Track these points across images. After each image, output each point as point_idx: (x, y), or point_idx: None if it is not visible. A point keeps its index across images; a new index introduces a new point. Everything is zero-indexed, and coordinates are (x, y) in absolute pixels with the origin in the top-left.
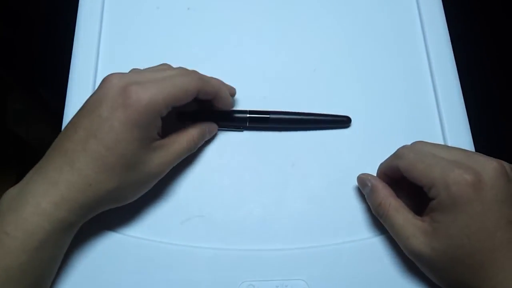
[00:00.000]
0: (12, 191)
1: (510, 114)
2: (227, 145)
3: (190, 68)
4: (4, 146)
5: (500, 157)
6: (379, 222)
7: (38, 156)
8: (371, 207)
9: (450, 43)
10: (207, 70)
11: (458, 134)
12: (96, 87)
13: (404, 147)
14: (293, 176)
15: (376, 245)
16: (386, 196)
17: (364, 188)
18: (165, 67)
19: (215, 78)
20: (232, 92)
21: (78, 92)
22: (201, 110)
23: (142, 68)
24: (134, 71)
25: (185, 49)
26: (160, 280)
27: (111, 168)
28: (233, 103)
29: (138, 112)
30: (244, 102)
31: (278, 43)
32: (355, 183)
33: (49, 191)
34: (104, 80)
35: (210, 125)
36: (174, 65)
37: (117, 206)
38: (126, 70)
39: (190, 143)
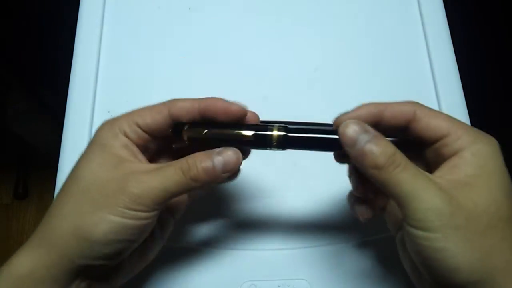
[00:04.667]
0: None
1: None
2: None
3: (191, 70)
4: (4, 146)
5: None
6: (381, 222)
7: (38, 156)
8: (373, 160)
9: (451, 43)
10: (208, 69)
11: None
12: (97, 88)
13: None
14: (295, 175)
15: (377, 245)
16: (392, 144)
17: (360, 136)
18: None
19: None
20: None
21: (78, 92)
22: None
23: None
24: None
25: (185, 48)
26: (162, 280)
27: (67, 191)
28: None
29: (100, 133)
30: (245, 101)
31: (279, 42)
32: None
33: (27, 243)
34: None
35: (223, 149)
36: (175, 66)
37: (92, 258)
38: (127, 69)
39: (182, 163)
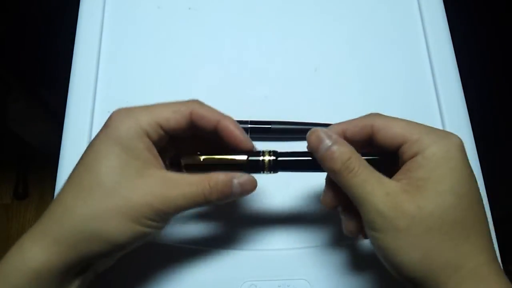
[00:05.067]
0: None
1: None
2: None
3: (191, 70)
4: (4, 146)
5: (501, 156)
6: None
7: (38, 156)
8: (331, 165)
9: (451, 43)
10: (208, 69)
11: (460, 135)
12: (97, 88)
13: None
14: (295, 175)
15: None
16: (353, 150)
17: (321, 144)
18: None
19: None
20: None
21: (78, 92)
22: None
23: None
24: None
25: (186, 48)
26: (162, 280)
27: (88, 190)
28: (249, 142)
29: (117, 128)
30: (245, 101)
31: (279, 42)
32: None
33: (33, 226)
34: None
35: (242, 175)
36: (175, 65)
37: (108, 256)
38: (126, 69)
39: (203, 186)
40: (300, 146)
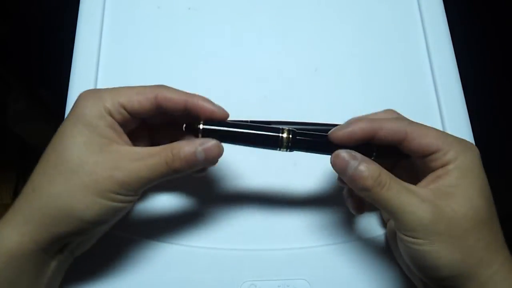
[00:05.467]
0: None
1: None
2: (228, 145)
3: (191, 70)
4: (4, 146)
5: (501, 156)
6: (381, 221)
7: (38, 156)
8: (363, 183)
9: (451, 43)
10: (208, 69)
11: (459, 135)
12: (97, 88)
13: (392, 115)
14: (295, 175)
15: (377, 244)
16: (379, 166)
17: (347, 165)
18: None
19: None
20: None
21: (78, 92)
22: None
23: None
24: None
25: (186, 48)
26: (162, 280)
27: (53, 168)
28: (223, 111)
29: (80, 107)
30: (245, 101)
31: (279, 42)
32: None
33: (10, 208)
34: None
35: (206, 141)
36: (175, 65)
37: (81, 233)
38: (126, 69)
39: (166, 155)
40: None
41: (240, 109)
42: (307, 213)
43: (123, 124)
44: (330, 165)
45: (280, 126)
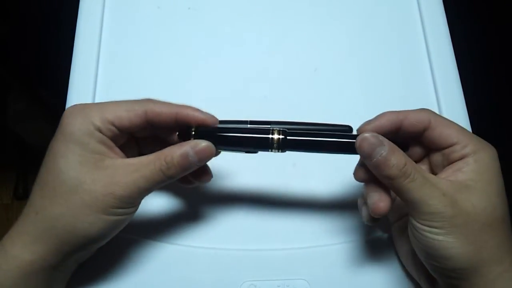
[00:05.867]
0: None
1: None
2: None
3: (191, 70)
4: (4, 146)
5: (501, 156)
6: (381, 222)
7: (38, 156)
8: (388, 172)
9: (451, 43)
10: (208, 69)
11: None
12: (97, 88)
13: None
14: (294, 175)
15: (377, 244)
16: (406, 155)
17: (376, 149)
18: None
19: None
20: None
21: (78, 92)
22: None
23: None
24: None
25: (185, 48)
26: (162, 280)
27: (52, 190)
28: (212, 118)
29: (69, 125)
30: (245, 101)
31: (279, 42)
32: (356, 182)
33: (12, 228)
34: None
35: (197, 143)
36: (175, 65)
37: (87, 248)
38: (126, 69)
39: (159, 163)
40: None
41: (240, 109)
42: (307, 213)
43: (113, 139)
44: (330, 165)
45: (271, 127)
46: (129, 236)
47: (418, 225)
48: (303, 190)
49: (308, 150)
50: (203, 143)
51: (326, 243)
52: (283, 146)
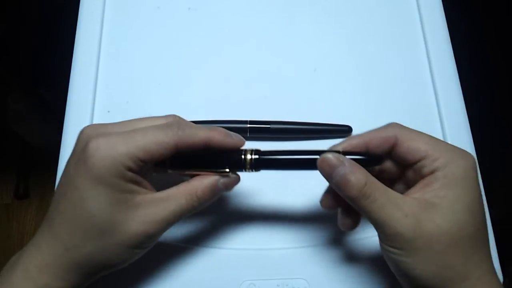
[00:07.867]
0: (17, 252)
1: (511, 114)
2: None
3: (191, 70)
4: (4, 146)
5: (500, 156)
6: None
7: (38, 156)
8: (347, 192)
9: (450, 43)
10: (207, 69)
11: (459, 136)
12: (97, 88)
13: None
14: (294, 175)
15: (377, 244)
16: (367, 174)
17: (335, 170)
18: (150, 118)
19: (205, 127)
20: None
21: (78, 92)
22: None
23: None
24: (115, 123)
25: (185, 48)
26: (161, 279)
27: (84, 231)
28: (240, 142)
29: (97, 166)
30: (245, 101)
31: (279, 42)
32: None
33: (34, 254)
34: (79, 133)
35: (226, 176)
36: (175, 66)
37: (117, 269)
38: (126, 69)
39: (191, 198)
40: (300, 145)
41: (240, 109)
42: (307, 213)
43: (141, 173)
44: None
45: (246, 148)
46: None
47: (383, 244)
48: (303, 190)
49: (283, 169)
50: (232, 176)
51: (325, 242)
52: (256, 165)
